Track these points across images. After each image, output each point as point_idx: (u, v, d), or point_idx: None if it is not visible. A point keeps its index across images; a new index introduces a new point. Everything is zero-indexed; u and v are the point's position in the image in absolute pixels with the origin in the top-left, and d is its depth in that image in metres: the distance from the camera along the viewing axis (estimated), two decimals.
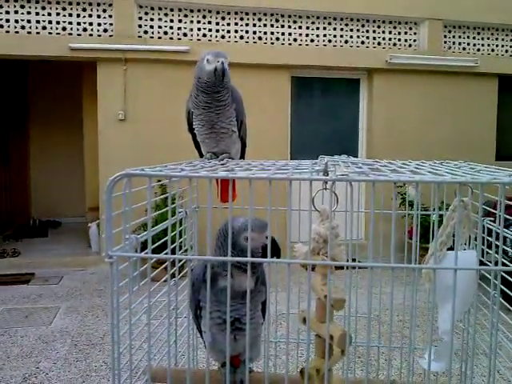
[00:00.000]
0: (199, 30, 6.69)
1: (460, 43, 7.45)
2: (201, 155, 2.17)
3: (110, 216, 1.14)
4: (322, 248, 1.22)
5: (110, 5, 6.38)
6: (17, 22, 6.21)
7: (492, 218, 1.69)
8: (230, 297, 1.24)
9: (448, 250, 1.50)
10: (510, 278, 1.44)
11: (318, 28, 7.01)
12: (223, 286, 1.39)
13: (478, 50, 7.50)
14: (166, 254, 1.33)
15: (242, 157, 2.21)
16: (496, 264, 1.54)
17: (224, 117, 1.96)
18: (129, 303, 1.22)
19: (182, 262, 1.72)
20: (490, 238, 1.68)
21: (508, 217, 1.50)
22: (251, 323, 1.37)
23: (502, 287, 1.39)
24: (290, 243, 1.38)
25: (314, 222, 1.25)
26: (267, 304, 1.59)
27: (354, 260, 1.43)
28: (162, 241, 1.47)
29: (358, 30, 7.13)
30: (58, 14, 6.30)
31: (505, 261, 1.41)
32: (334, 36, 7.07)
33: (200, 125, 2.00)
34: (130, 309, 1.21)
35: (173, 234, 1.48)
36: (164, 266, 1.53)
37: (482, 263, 1.63)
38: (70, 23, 6.34)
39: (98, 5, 6.38)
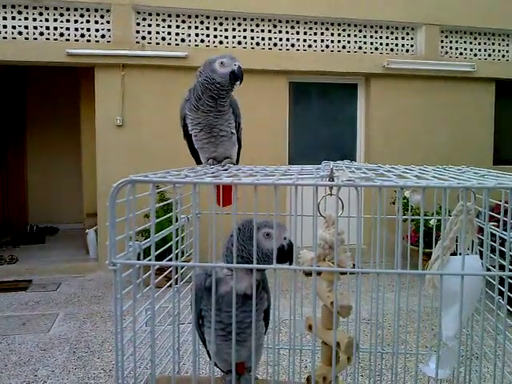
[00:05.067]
0: (197, 35, 6.69)
1: (457, 48, 7.48)
2: (197, 162, 2.13)
3: (114, 223, 1.12)
4: (327, 254, 1.21)
5: (108, 11, 6.39)
6: (14, 28, 6.19)
7: (495, 223, 1.69)
8: (231, 304, 1.22)
9: (451, 254, 1.50)
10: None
11: (315, 33, 7.03)
12: (224, 293, 1.37)
13: (475, 54, 7.54)
14: (170, 260, 1.32)
15: (238, 157, 2.18)
16: (500, 268, 1.53)
17: (223, 119, 1.95)
18: (133, 311, 1.21)
19: (184, 269, 1.71)
20: (493, 243, 1.67)
21: None
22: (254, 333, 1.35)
23: (509, 294, 1.38)
24: (296, 249, 1.36)
25: (319, 228, 1.24)
26: (270, 312, 1.56)
27: (354, 265, 1.41)
28: (166, 247, 1.46)
29: (355, 36, 7.15)
30: (55, 20, 6.29)
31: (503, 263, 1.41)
32: (332, 41, 7.09)
33: (198, 129, 1.96)
34: (134, 316, 1.19)
35: (176, 240, 1.47)
36: (167, 273, 1.51)
37: (486, 268, 1.63)
38: (68, 29, 6.33)
39: (96, 11, 6.38)
